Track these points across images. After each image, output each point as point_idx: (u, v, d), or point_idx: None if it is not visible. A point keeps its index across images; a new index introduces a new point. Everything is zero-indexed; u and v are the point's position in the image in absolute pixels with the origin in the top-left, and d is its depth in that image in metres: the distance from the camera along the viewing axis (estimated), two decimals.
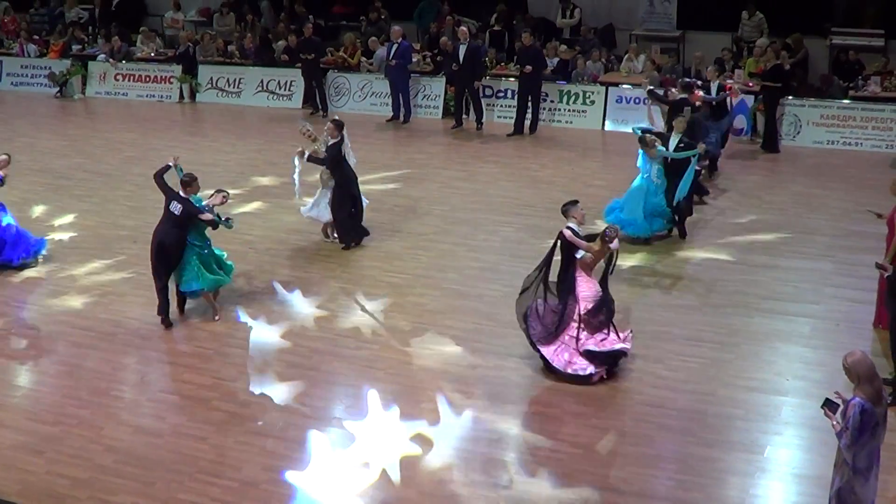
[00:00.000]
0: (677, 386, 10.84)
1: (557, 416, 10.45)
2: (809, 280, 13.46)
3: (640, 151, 14.99)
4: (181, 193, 12.35)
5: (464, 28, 21.56)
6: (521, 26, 23.06)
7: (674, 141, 14.82)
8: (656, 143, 14.60)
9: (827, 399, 7.81)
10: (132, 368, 11.78)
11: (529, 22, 23.64)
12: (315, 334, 12.35)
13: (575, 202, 11.47)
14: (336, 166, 14.43)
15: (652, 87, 16.82)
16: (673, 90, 17.39)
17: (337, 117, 15.28)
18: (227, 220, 12.71)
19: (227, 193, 12.97)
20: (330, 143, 14.41)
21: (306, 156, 14.39)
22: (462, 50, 20.79)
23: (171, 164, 12.89)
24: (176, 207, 12.28)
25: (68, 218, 16.44)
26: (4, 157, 14.46)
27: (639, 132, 15.06)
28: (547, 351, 11.08)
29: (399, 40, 21.66)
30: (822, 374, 10.99)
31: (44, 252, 14.69)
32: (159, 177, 12.65)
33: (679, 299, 12.97)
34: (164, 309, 12.54)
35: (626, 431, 10.13)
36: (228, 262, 12.94)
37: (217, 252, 12.81)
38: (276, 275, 14.01)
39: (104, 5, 27.66)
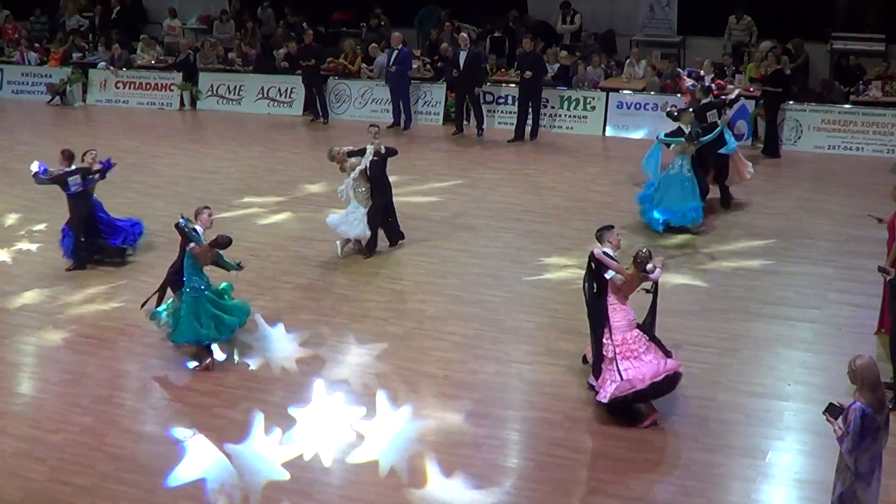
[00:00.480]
0: (679, 391, 10.78)
1: (558, 422, 10.44)
2: (811, 285, 13.46)
3: (652, 153, 15.49)
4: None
5: (464, 34, 21.57)
6: (520, 29, 23.05)
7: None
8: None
9: (830, 404, 7.80)
10: (134, 375, 11.78)
11: (528, 23, 23.62)
12: (316, 341, 12.34)
13: (610, 227, 10.74)
14: (383, 172, 14.57)
15: (669, 111, 17.00)
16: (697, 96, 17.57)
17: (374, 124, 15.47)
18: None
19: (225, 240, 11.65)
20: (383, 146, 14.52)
21: (370, 159, 14.35)
22: (462, 56, 20.81)
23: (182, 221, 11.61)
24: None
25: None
26: (94, 152, 14.80)
27: (664, 138, 15.40)
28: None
29: (399, 47, 21.67)
30: (824, 379, 10.99)
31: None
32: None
33: (680, 304, 12.94)
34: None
35: (627, 437, 10.10)
36: (238, 307, 12.13)
37: (226, 294, 12.17)
38: (276, 281, 14.03)
39: (104, 13, 27.68)
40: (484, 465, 9.74)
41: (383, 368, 11.66)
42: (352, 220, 14.57)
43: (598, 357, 10.35)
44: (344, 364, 11.79)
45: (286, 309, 13.21)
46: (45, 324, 13.08)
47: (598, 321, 10.37)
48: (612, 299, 10.39)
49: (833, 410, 7.72)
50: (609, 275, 10.30)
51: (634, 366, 10.13)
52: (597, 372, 10.41)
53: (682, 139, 15.12)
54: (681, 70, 18.58)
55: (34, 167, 14.53)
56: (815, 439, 9.86)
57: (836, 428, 7.65)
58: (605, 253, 10.38)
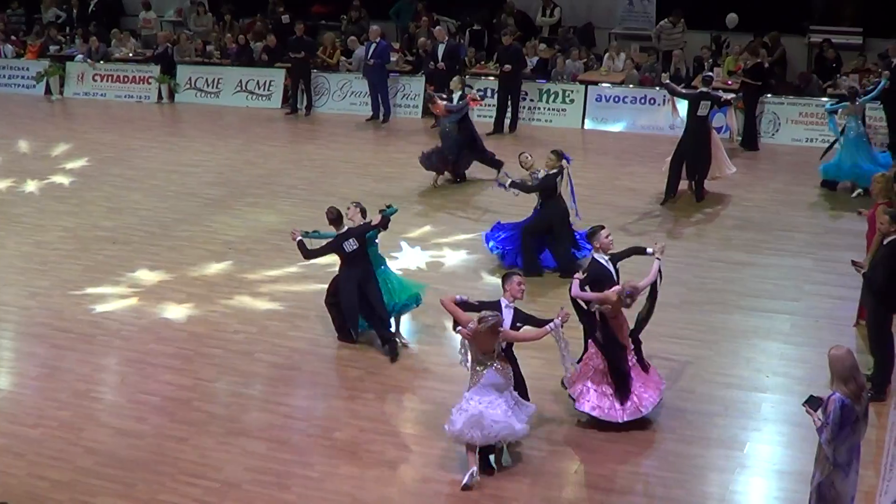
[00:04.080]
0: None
1: (536, 415, 10.43)
2: (789, 277, 13.50)
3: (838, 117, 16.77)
4: (337, 230, 11.65)
5: (440, 28, 21.55)
6: (504, 21, 23.01)
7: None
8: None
9: (811, 396, 7.83)
10: (112, 370, 11.75)
11: (510, 9, 23.54)
12: (297, 335, 12.32)
13: (601, 228, 10.55)
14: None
15: (668, 82, 16.99)
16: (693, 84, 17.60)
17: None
18: (389, 207, 12.04)
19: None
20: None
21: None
22: (441, 49, 20.80)
23: (299, 237, 11.73)
24: (351, 245, 11.54)
25: (48, 221, 16.35)
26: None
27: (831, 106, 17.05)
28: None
29: (377, 40, 21.62)
30: (802, 371, 11.04)
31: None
32: (308, 251, 11.74)
33: (659, 297, 12.95)
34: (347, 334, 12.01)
35: (605, 428, 10.08)
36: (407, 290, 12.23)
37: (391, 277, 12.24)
38: (255, 274, 13.98)
39: (81, 6, 27.50)
40: (463, 458, 9.70)
41: (363, 363, 11.63)
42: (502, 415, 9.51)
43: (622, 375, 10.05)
44: (323, 359, 11.79)
45: (260, 303, 13.20)
46: (23, 318, 13.01)
47: (609, 343, 10.07)
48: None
49: (813, 402, 7.73)
50: (594, 308, 10.02)
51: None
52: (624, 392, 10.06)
53: (847, 103, 16.39)
54: (709, 74, 18.40)
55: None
56: (792, 430, 9.92)
57: (816, 419, 7.68)
58: (591, 264, 10.26)
